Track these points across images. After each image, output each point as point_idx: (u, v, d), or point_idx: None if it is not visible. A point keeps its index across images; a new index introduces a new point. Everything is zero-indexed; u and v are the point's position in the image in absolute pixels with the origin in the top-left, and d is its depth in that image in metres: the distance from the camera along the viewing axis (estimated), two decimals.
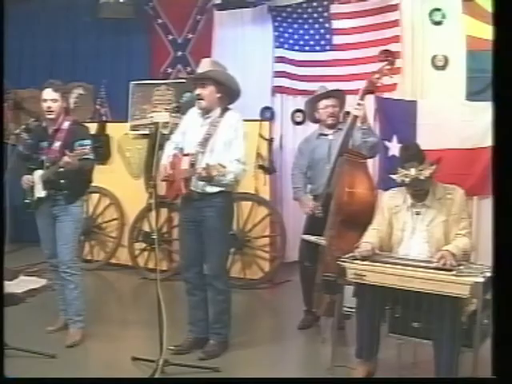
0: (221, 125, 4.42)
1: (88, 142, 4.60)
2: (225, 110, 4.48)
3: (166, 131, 5.00)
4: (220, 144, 4.38)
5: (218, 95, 4.43)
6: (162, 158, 4.50)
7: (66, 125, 4.70)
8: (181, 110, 4.34)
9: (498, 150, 2.70)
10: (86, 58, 8.21)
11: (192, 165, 4.33)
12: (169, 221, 6.80)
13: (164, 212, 6.69)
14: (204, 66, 4.48)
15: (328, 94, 5.09)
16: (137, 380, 4.01)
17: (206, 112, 4.45)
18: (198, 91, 4.39)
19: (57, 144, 4.63)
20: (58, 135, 4.66)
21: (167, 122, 5.19)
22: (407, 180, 3.88)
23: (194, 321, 4.63)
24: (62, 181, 4.59)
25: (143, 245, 6.90)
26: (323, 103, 5.07)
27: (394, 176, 3.94)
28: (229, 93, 4.50)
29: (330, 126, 5.06)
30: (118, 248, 7.17)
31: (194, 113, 4.49)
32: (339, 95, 5.14)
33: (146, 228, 6.90)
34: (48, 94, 4.66)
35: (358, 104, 4.67)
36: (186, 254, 4.58)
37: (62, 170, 4.48)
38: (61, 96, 4.67)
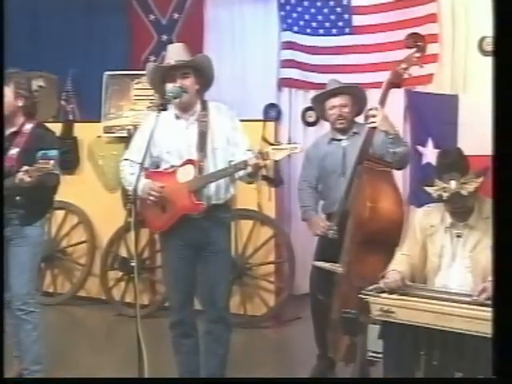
0: (210, 119, 4.48)
1: (54, 152, 4.50)
2: (203, 102, 4.56)
3: None
4: (221, 141, 4.45)
5: (197, 87, 4.49)
6: (127, 178, 4.47)
7: (27, 128, 4.65)
8: (167, 107, 4.33)
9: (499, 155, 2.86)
10: (50, 43, 8.21)
11: (201, 170, 4.36)
12: (151, 244, 6.79)
13: (145, 233, 6.68)
14: (178, 53, 4.50)
15: (335, 91, 5.08)
16: (137, 380, 4.08)
17: (185, 109, 4.48)
18: (179, 83, 4.40)
19: (14, 151, 4.56)
20: (16, 140, 4.60)
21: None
22: (446, 195, 3.84)
23: (193, 369, 4.65)
24: (17, 197, 4.53)
25: (119, 273, 6.90)
26: (330, 103, 5.07)
27: (429, 189, 3.91)
28: (205, 83, 4.58)
29: (341, 131, 5.06)
30: (87, 278, 7.16)
31: (162, 118, 4.40)
32: (352, 91, 5.11)
33: (123, 253, 6.89)
34: None
35: (373, 114, 4.62)
36: (181, 289, 4.56)
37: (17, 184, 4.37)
38: (13, 91, 4.61)
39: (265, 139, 6.51)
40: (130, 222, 4.28)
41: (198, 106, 4.52)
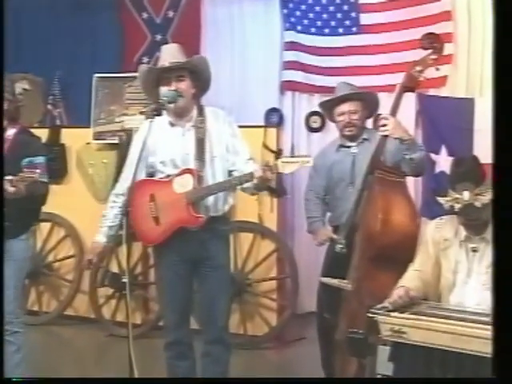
0: (208, 125, 4.48)
1: (41, 159, 4.49)
2: (200, 107, 4.57)
3: None
4: (220, 149, 4.46)
5: (193, 90, 4.50)
6: (120, 186, 4.52)
7: (10, 133, 4.63)
8: (162, 112, 4.33)
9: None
10: (35, 43, 8.20)
11: (200, 181, 4.35)
12: (144, 258, 6.79)
13: (138, 247, 6.68)
14: (173, 54, 4.50)
15: (345, 97, 5.09)
16: (137, 380, 4.12)
17: (180, 115, 4.49)
18: (174, 86, 4.40)
19: None
20: None
21: None
22: (458, 206, 3.82)
23: None
24: (4, 209, 4.51)
25: (110, 291, 6.89)
26: (339, 109, 5.09)
27: (440, 199, 3.89)
28: (202, 86, 4.59)
29: (350, 138, 5.08)
30: (75, 295, 7.15)
31: (155, 126, 4.41)
32: (363, 97, 5.13)
33: (114, 268, 6.87)
34: None
35: (384, 123, 4.60)
36: (177, 307, 4.56)
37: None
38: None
39: (266, 146, 6.54)
40: (121, 235, 4.27)
41: (195, 112, 4.52)
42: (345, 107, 5.03)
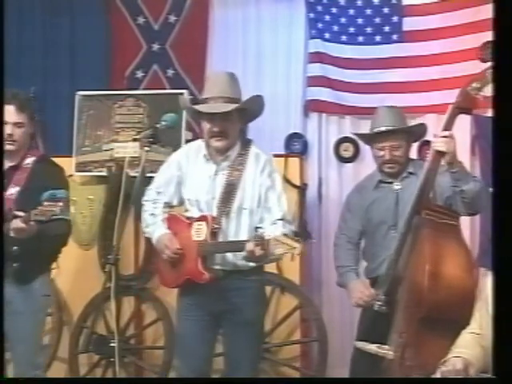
0: (247, 169, 4.56)
1: (63, 193, 4.53)
2: (244, 144, 4.62)
3: (134, 172, 4.97)
4: (252, 200, 4.52)
5: (240, 125, 4.61)
6: (146, 219, 4.56)
7: (28, 162, 4.73)
8: (159, 139, 4.33)
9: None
10: (3, 52, 8.20)
11: (213, 233, 4.41)
12: (138, 317, 6.77)
13: (129, 303, 6.67)
14: (219, 82, 4.56)
15: (385, 133, 5.10)
16: (137, 380, 4.74)
17: (220, 152, 4.52)
18: (217, 127, 4.43)
19: (13, 190, 4.64)
20: (16, 176, 4.69)
21: (136, 158, 5.17)
22: None
23: None
24: (14, 247, 4.54)
25: (95, 357, 6.82)
26: (378, 144, 5.12)
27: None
28: (251, 120, 4.72)
29: (391, 175, 5.11)
30: (51, 363, 7.03)
31: (192, 151, 4.46)
32: (410, 129, 5.16)
33: (101, 330, 6.83)
34: (10, 113, 4.68)
35: (444, 136, 4.57)
36: (197, 370, 4.60)
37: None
38: (28, 117, 4.72)
39: (288, 180, 6.53)
40: (109, 289, 4.24)
41: (237, 149, 4.59)
42: (385, 142, 5.04)
